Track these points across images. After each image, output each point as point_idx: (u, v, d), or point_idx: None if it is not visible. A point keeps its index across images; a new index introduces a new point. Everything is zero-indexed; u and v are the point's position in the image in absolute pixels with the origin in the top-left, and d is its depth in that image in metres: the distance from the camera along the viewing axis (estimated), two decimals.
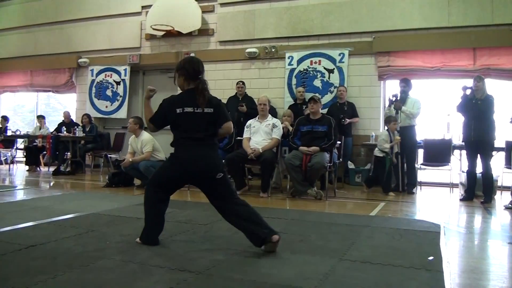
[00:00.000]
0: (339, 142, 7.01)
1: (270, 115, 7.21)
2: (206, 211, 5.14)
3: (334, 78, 9.06)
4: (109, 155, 10.14)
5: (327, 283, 2.61)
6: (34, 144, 10.60)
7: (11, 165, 11.23)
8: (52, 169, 10.15)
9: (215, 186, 3.51)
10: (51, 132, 10.62)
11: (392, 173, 7.18)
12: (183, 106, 3.48)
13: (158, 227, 3.60)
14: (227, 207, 3.52)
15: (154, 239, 3.57)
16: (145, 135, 7.42)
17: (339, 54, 9.05)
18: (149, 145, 7.30)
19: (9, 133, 11.28)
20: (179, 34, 10.41)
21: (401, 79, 7.72)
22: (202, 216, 4.82)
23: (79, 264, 2.98)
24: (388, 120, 7.28)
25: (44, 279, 2.65)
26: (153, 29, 10.36)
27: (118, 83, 11.31)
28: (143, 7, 11.03)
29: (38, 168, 10.77)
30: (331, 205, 5.97)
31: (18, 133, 11.33)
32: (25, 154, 11.12)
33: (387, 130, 7.27)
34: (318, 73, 9.21)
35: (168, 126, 3.70)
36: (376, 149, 7.29)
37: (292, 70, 9.43)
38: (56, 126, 11.02)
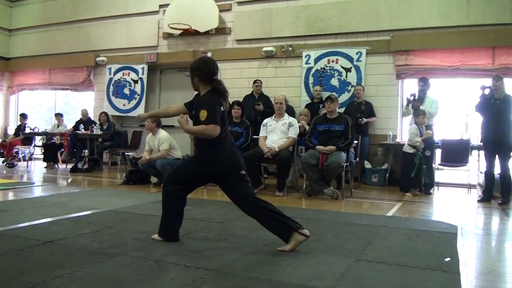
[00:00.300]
0: (356, 142, 6.97)
1: (286, 114, 7.20)
2: (222, 209, 5.18)
3: (352, 77, 9.01)
4: (126, 153, 10.22)
5: (343, 283, 2.60)
6: (52, 141, 10.72)
7: (29, 162, 11.38)
8: (69, 166, 10.26)
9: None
10: (69, 130, 10.73)
11: (422, 171, 7.03)
12: (221, 106, 3.53)
13: (179, 223, 3.62)
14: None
15: (176, 235, 3.59)
16: (162, 133, 7.46)
17: (357, 53, 9.00)
18: (166, 143, 7.34)
19: (27, 130, 11.43)
20: (196, 32, 10.45)
21: (419, 78, 7.65)
22: (218, 214, 4.84)
23: (95, 260, 3.00)
24: (416, 114, 7.12)
25: (61, 274, 2.68)
26: (171, 27, 10.42)
27: (135, 82, 11.39)
28: (160, 6, 11.09)
29: (56, 165, 10.90)
30: (348, 205, 5.95)
31: (36, 130, 11.46)
32: (43, 151, 11.27)
33: (415, 123, 7.12)
34: (335, 72, 9.17)
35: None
36: (406, 145, 7.13)
37: (309, 69, 9.41)
38: (73, 124, 11.13)
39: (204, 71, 3.57)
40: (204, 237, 3.74)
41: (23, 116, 11.78)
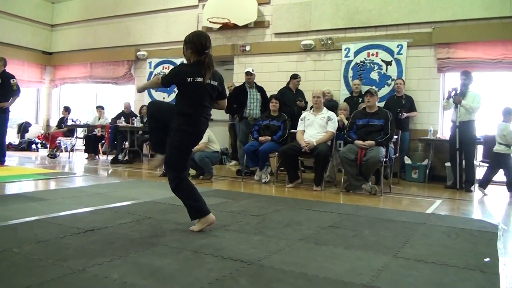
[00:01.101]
0: (395, 137, 6.86)
1: (325, 108, 7.14)
2: (259, 202, 5.19)
3: (392, 71, 8.87)
4: None
5: (380, 279, 2.57)
6: (93, 133, 10.99)
7: (71, 153, 11.69)
8: (110, 157, 10.50)
9: None
10: (110, 122, 10.96)
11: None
12: (194, 76, 3.60)
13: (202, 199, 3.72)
14: None
15: (207, 209, 3.68)
16: None
17: (397, 46, 8.84)
18: (205, 136, 7.39)
19: (69, 122, 11.74)
20: (235, 26, 10.49)
21: (461, 72, 7.44)
22: (255, 207, 4.86)
23: (135, 249, 3.06)
24: (509, 112, 6.82)
25: (100, 261, 2.74)
26: (210, 22, 10.48)
27: None
28: (199, 0, 11.18)
29: (96, 157, 11.16)
30: (386, 201, 5.86)
31: (78, 122, 11.76)
32: (84, 143, 11.56)
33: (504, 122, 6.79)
34: (375, 65, 9.04)
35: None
36: (498, 145, 6.81)
37: (348, 62, 9.31)
38: (114, 116, 11.36)
39: (196, 44, 3.67)
40: (241, 230, 3.76)
41: (66, 109, 12.11)
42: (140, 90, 4.12)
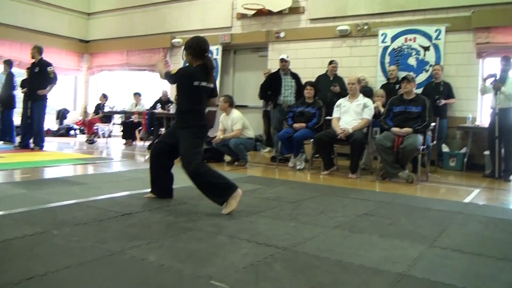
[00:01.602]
0: (433, 124, 6.71)
1: (361, 95, 7.04)
2: (294, 189, 5.20)
3: (430, 56, 8.67)
4: None
5: (415, 268, 2.54)
6: (130, 120, 11.17)
7: (109, 139, 11.91)
8: (147, 143, 10.66)
9: None
10: (147, 109, 11.11)
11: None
12: (200, 81, 3.95)
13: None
14: None
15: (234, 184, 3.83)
16: (236, 113, 7.56)
17: (435, 31, 8.62)
18: (239, 123, 7.43)
19: (106, 109, 11.96)
20: (269, 12, 10.44)
21: (501, 57, 7.20)
22: (290, 194, 4.86)
23: (171, 233, 3.11)
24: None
25: (138, 244, 2.80)
26: (245, 8, 10.47)
27: None
28: None
29: (133, 142, 11.36)
30: (423, 190, 5.77)
31: (115, 109, 11.96)
32: (122, 129, 11.77)
33: None
34: (413, 51, 8.86)
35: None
36: None
37: (385, 48, 9.15)
38: (151, 103, 11.50)
39: (196, 49, 4.02)
40: (276, 216, 3.77)
41: (104, 96, 12.32)
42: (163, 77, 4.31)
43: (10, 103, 9.77)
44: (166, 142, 4.21)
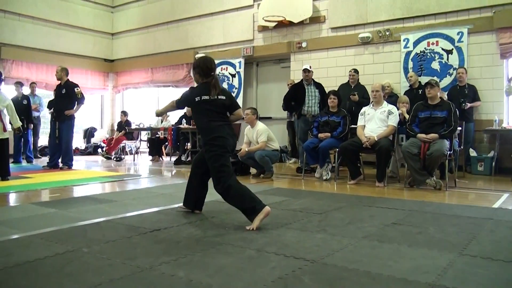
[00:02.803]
0: (459, 128, 6.63)
1: (385, 102, 7.00)
2: (321, 200, 5.18)
3: (453, 59, 8.57)
4: None
5: (445, 278, 2.51)
6: (157, 136, 11.30)
7: (136, 155, 12.07)
8: (173, 159, 10.75)
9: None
10: (172, 125, 11.23)
11: None
12: (201, 95, 4.11)
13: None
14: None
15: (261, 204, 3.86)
16: (260, 126, 7.58)
17: (458, 33, 8.53)
18: (264, 135, 7.45)
19: (133, 126, 12.13)
20: (290, 23, 10.48)
21: None
22: (317, 205, 4.85)
23: (200, 248, 3.13)
24: None
25: (167, 260, 2.83)
26: (265, 20, 10.53)
27: (233, 76, 11.66)
28: (254, 0, 11.23)
29: (160, 158, 11.47)
30: (451, 196, 5.68)
31: (141, 126, 12.13)
32: (148, 145, 11.91)
33: None
34: (436, 55, 8.78)
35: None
36: None
37: (408, 53, 9.08)
38: (176, 119, 11.63)
39: (203, 68, 4.21)
40: (303, 228, 3.76)
41: (124, 114, 12.55)
42: (159, 114, 4.63)
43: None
44: None
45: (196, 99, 4.10)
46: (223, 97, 4.19)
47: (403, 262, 2.81)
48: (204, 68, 4.21)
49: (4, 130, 6.96)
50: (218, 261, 2.83)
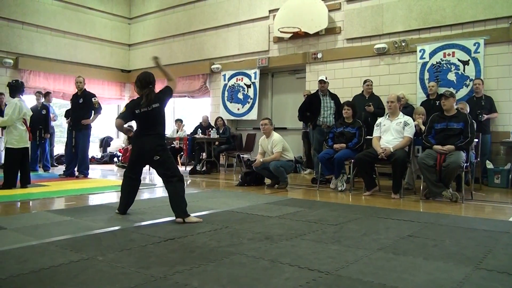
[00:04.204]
0: (476, 140, 6.57)
1: (401, 113, 6.95)
2: (335, 211, 5.15)
3: (470, 70, 8.52)
4: (241, 155, 10.53)
5: None
6: (172, 145, 11.35)
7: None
8: (189, 168, 10.78)
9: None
10: (188, 134, 11.29)
11: None
12: (140, 108, 4.63)
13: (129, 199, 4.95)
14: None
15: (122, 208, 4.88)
16: (276, 136, 7.59)
17: (474, 44, 8.49)
18: (279, 145, 7.45)
19: None
20: (306, 35, 10.51)
21: None
22: (332, 216, 4.82)
23: (214, 258, 3.13)
24: None
25: (181, 270, 2.83)
26: (281, 31, 10.56)
27: (248, 86, 11.70)
28: (270, 11, 11.33)
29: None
30: (468, 209, 5.62)
31: None
32: None
33: None
34: (452, 66, 8.73)
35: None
36: None
37: (424, 64, 9.05)
38: (191, 128, 11.69)
39: (141, 82, 4.75)
40: (318, 239, 3.74)
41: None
42: (121, 129, 4.90)
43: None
44: None
45: (136, 111, 4.62)
46: (156, 104, 4.67)
47: (419, 275, 2.78)
48: (142, 81, 4.74)
49: (30, 139, 7.12)
50: (231, 272, 2.83)
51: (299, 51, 10.85)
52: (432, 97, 8.37)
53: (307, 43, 10.73)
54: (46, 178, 8.90)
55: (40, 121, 9.99)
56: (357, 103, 8.25)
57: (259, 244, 3.53)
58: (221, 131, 10.95)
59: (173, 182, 4.60)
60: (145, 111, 4.61)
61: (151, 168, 5.17)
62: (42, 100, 10.54)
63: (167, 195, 4.65)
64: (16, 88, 7.12)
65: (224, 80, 12.23)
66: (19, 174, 7.04)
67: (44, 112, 10.23)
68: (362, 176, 7.00)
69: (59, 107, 12.08)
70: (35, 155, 10.11)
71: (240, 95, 11.87)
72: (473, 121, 6.34)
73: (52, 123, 11.32)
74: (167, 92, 4.92)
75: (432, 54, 8.96)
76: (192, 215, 4.52)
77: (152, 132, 4.69)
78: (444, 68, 8.81)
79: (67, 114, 9.61)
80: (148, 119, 4.65)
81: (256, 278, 2.70)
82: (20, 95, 7.16)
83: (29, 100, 9.77)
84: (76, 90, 9.11)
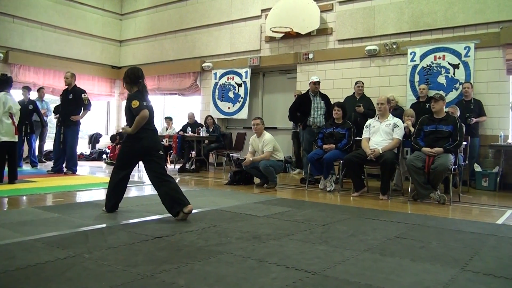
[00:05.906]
0: (465, 143, 6.62)
1: (391, 115, 6.98)
2: (324, 211, 5.16)
3: (460, 74, 8.58)
4: (231, 154, 10.52)
5: None
6: (161, 143, 11.28)
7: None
8: (178, 166, 10.76)
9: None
10: (177, 132, 11.25)
11: None
12: (144, 101, 4.65)
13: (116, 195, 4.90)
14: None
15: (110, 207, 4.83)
16: (267, 135, 7.59)
17: (464, 48, 8.55)
18: (270, 145, 7.45)
19: None
20: (297, 35, 10.52)
21: None
22: (320, 216, 4.83)
23: (201, 256, 3.12)
24: None
25: (168, 268, 2.82)
26: (273, 31, 10.56)
27: (239, 85, 11.70)
28: (262, 11, 11.33)
29: (164, 166, 11.45)
30: (455, 211, 5.66)
31: None
32: None
33: None
34: (442, 69, 8.79)
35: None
36: None
37: (414, 67, 9.10)
38: (180, 127, 11.65)
39: (131, 77, 4.72)
40: (305, 239, 3.75)
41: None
42: (135, 131, 4.66)
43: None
44: None
45: (144, 104, 4.62)
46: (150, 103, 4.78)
47: (405, 276, 2.79)
48: (132, 76, 4.72)
49: (16, 133, 7.02)
50: (219, 271, 2.82)
51: (291, 51, 10.86)
52: (422, 100, 8.42)
53: (299, 43, 10.74)
54: (34, 174, 8.84)
55: (26, 116, 9.87)
56: (348, 105, 8.28)
57: (247, 244, 3.53)
58: (211, 130, 10.93)
59: (169, 181, 4.64)
60: (149, 105, 4.71)
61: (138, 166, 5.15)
62: (29, 95, 10.42)
63: (157, 194, 4.67)
64: (3, 82, 7.05)
65: (215, 79, 12.21)
66: (6, 169, 6.97)
67: (30, 107, 10.11)
68: (350, 177, 7.03)
69: (53, 102, 11.96)
70: (20, 151, 10.00)
71: (230, 94, 11.85)
72: (462, 124, 6.39)
73: (46, 118, 11.22)
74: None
75: (423, 57, 9.01)
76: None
77: (153, 127, 4.79)
78: (435, 71, 8.86)
79: (56, 110, 9.53)
80: (150, 113, 4.70)
81: (243, 278, 2.70)
82: (8, 90, 7.09)
83: (17, 95, 9.69)
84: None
